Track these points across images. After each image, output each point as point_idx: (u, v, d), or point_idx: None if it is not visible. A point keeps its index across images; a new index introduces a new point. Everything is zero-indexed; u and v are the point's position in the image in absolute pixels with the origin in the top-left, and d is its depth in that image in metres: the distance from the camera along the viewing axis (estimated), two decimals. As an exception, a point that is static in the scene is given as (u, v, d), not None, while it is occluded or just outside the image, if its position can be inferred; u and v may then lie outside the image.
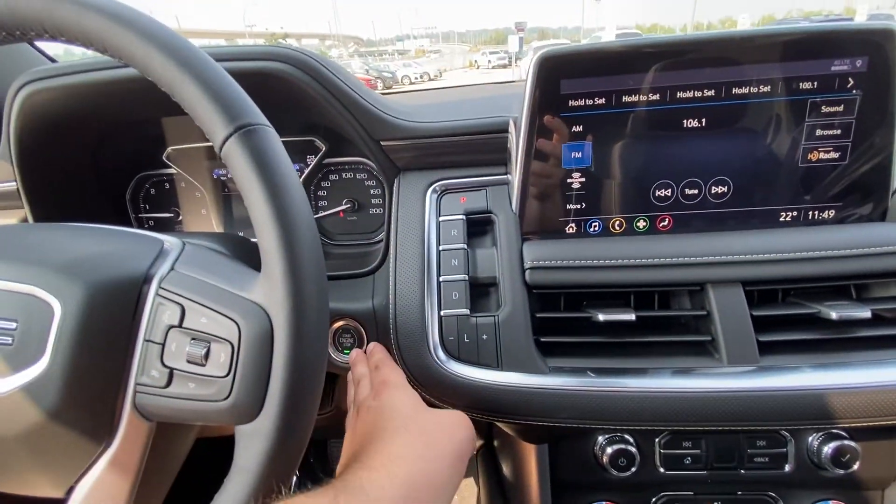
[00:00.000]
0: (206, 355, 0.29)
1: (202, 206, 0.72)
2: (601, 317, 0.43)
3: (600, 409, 0.42)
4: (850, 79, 0.43)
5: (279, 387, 0.28)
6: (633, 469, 0.46)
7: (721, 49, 0.43)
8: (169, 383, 0.30)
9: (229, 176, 0.70)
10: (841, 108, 0.44)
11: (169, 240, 0.37)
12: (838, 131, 0.44)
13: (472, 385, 0.43)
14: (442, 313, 0.46)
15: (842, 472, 0.44)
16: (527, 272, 0.46)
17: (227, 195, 0.71)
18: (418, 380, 0.45)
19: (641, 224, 0.49)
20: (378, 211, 0.67)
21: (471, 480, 0.76)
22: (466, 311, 0.45)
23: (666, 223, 0.48)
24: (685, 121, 0.45)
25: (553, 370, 0.43)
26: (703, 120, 0.45)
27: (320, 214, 0.68)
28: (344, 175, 0.67)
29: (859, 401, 0.40)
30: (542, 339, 0.44)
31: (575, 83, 0.45)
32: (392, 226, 0.52)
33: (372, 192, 0.67)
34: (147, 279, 0.32)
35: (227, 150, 0.29)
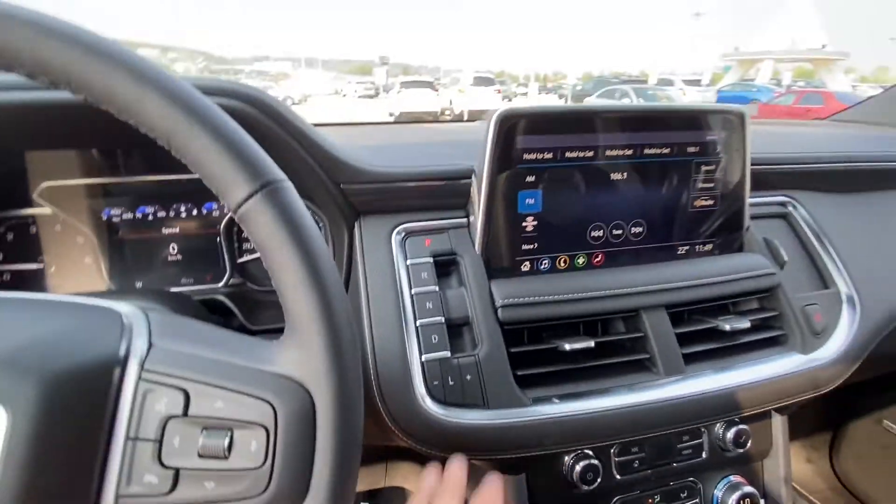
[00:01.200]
0: (230, 446, 0.25)
1: (85, 254, 0.59)
2: (567, 346, 0.48)
3: (580, 431, 0.46)
4: (718, 145, 0.57)
5: (328, 466, 0.25)
6: (599, 480, 0.51)
7: (638, 118, 0.53)
8: (174, 487, 0.24)
9: (125, 217, 0.60)
10: (713, 168, 0.58)
11: (118, 306, 0.30)
12: (712, 184, 0.58)
13: (464, 427, 0.44)
14: (424, 358, 0.46)
15: (740, 450, 0.56)
16: (499, 310, 0.49)
17: (119, 240, 0.60)
18: (407, 430, 0.44)
19: (581, 260, 0.56)
20: None
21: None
22: (448, 354, 0.46)
23: (599, 259, 0.57)
24: (612, 174, 0.54)
25: (534, 401, 0.47)
26: (625, 173, 0.55)
27: (247, 258, 0.62)
28: None
29: (751, 394, 0.52)
30: (519, 373, 0.48)
31: (529, 139, 0.50)
32: (360, 271, 0.50)
33: None
34: (121, 362, 0.26)
35: (247, 211, 0.26)
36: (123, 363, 0.26)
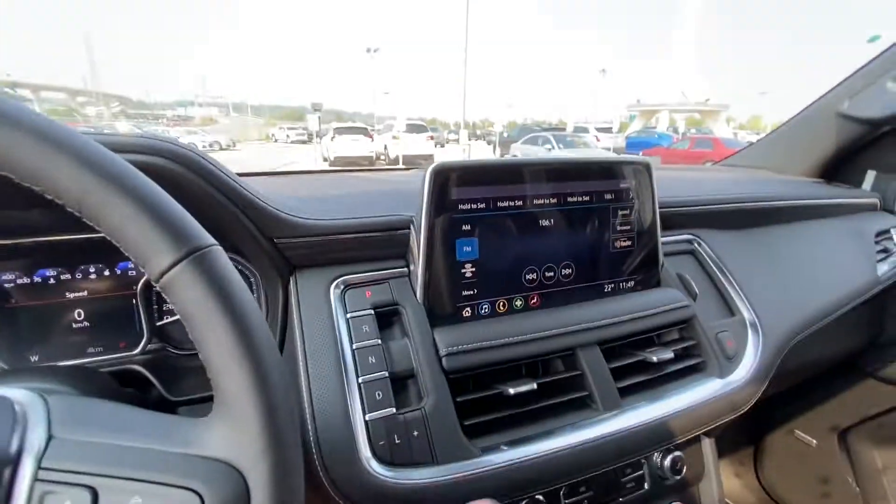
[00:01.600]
0: None
1: None
2: (511, 390, 0.49)
3: (531, 478, 0.46)
4: (630, 192, 0.63)
5: None
6: None
7: (558, 170, 0.58)
8: None
9: (20, 283, 0.53)
10: (628, 212, 0.63)
11: (9, 392, 0.26)
12: (628, 227, 0.64)
13: (415, 488, 0.42)
14: (368, 417, 0.44)
15: (678, 477, 0.59)
16: (444, 359, 0.49)
17: (12, 310, 0.52)
18: (353, 499, 0.41)
19: (518, 303, 0.58)
20: None
21: None
22: (393, 410, 0.45)
23: (535, 300, 0.59)
24: (541, 220, 0.58)
25: (483, 451, 0.46)
26: (552, 219, 0.59)
27: (168, 320, 0.57)
28: None
29: (682, 421, 0.55)
30: (467, 423, 0.47)
31: (463, 191, 0.53)
32: (296, 327, 0.48)
33: None
34: (12, 460, 0.22)
35: (171, 280, 0.24)
36: (15, 462, 0.22)
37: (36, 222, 0.52)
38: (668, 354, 0.58)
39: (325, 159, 15.28)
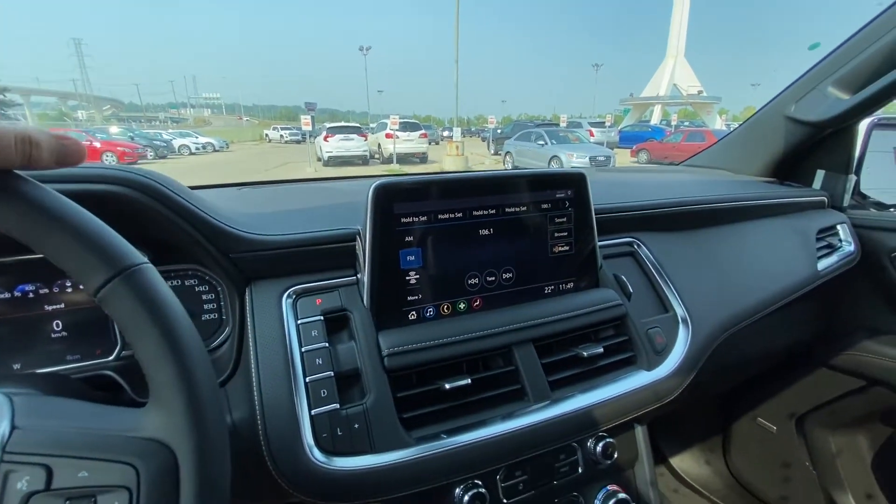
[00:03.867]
0: None
1: None
2: (447, 386, 0.54)
3: (464, 462, 0.52)
4: (567, 202, 0.69)
5: None
6: None
7: (495, 184, 0.63)
8: None
9: (2, 298, 0.58)
10: (565, 220, 0.69)
11: None
12: (566, 234, 0.69)
13: (352, 473, 0.48)
14: (313, 412, 0.50)
15: (609, 462, 0.65)
16: (385, 358, 0.54)
17: None
18: (297, 485, 0.47)
19: (462, 306, 0.63)
20: (212, 317, 0.66)
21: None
22: (337, 406, 0.50)
23: (478, 303, 0.64)
24: (481, 230, 0.64)
25: (420, 440, 0.52)
26: (492, 229, 0.64)
27: None
28: (170, 283, 0.64)
29: (608, 409, 0.61)
30: (405, 416, 0.53)
31: (403, 206, 0.58)
32: (248, 335, 0.53)
33: (203, 297, 0.65)
34: None
35: (105, 295, 0.29)
36: None
37: (14, 242, 0.57)
38: (599, 350, 0.64)
39: (319, 159, 15.28)
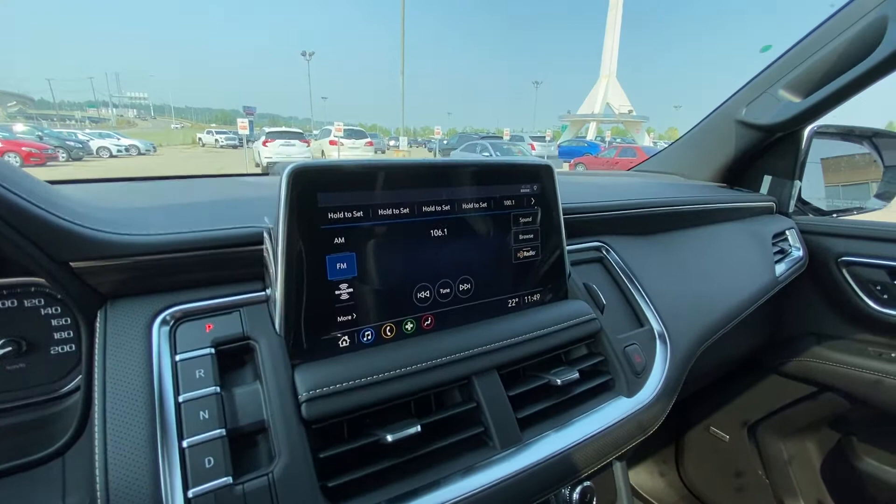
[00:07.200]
0: None
1: None
2: (389, 438, 0.40)
3: None
4: (532, 198, 0.58)
5: None
6: None
7: (450, 174, 0.51)
8: None
9: None
10: (531, 219, 0.58)
11: None
12: (531, 236, 0.58)
13: None
14: (191, 493, 0.34)
15: (587, 509, 0.54)
16: (303, 406, 0.39)
17: None
18: None
19: (409, 326, 0.50)
20: (67, 348, 0.47)
21: None
22: (229, 479, 0.35)
23: (429, 322, 0.51)
24: (432, 230, 0.51)
25: None
26: (445, 229, 0.51)
27: None
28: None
29: (589, 450, 0.50)
30: (330, 485, 0.38)
31: (332, 196, 0.44)
32: (96, 379, 0.36)
33: (54, 323, 0.47)
34: None
35: None
36: None
37: None
38: (574, 375, 0.53)
39: (257, 164, 14.56)
